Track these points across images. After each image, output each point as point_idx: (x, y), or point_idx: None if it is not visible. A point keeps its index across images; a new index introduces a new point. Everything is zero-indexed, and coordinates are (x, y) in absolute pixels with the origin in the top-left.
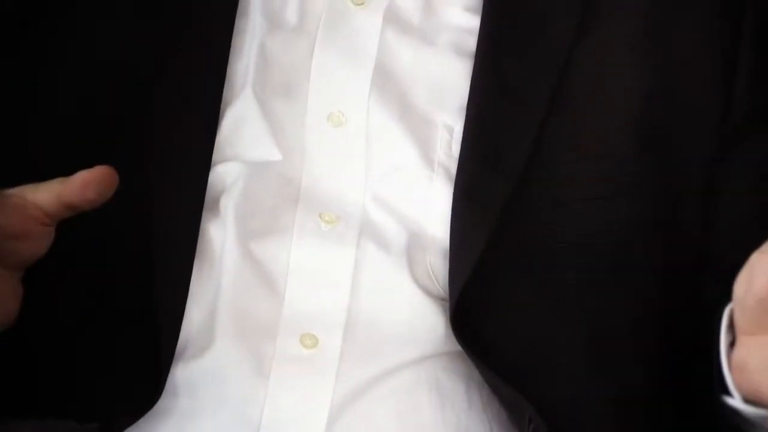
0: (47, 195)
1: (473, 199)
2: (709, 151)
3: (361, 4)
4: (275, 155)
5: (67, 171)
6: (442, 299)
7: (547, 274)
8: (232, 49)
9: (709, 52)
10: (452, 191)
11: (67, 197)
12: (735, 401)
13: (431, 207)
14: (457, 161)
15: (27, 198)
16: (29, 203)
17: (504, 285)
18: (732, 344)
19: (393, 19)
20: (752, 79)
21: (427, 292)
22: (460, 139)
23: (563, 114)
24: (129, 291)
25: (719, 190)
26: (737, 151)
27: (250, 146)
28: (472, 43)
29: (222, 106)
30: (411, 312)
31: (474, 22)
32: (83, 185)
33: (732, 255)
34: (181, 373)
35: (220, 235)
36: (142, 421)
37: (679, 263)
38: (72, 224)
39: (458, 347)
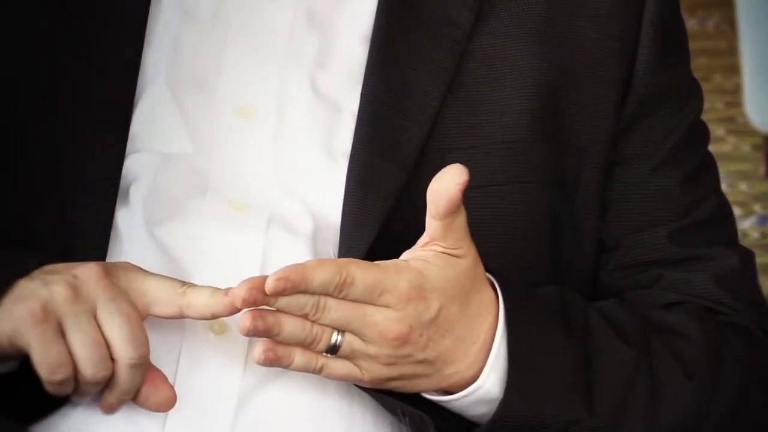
0: None
1: (366, 185)
2: (608, 136)
3: None
4: (186, 147)
5: None
6: None
7: None
8: (145, 38)
9: (609, 40)
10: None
11: None
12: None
13: (332, 196)
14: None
15: None
16: None
17: None
18: None
19: (303, 11)
20: (651, 64)
21: None
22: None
23: (460, 101)
24: None
25: (614, 174)
26: (633, 134)
27: (162, 138)
28: None
29: (135, 97)
30: None
31: None
32: None
33: (624, 242)
34: None
35: (127, 222)
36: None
37: (571, 253)
38: None
39: None
